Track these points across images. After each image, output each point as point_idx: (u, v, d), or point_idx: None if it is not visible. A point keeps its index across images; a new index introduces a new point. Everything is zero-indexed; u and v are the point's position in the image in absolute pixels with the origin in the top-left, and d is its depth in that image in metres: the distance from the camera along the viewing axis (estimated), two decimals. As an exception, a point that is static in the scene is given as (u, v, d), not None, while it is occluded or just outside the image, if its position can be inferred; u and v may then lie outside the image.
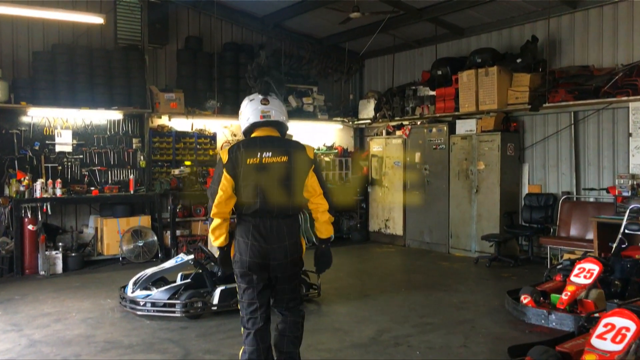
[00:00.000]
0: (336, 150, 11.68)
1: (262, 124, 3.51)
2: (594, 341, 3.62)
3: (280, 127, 3.59)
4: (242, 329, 3.59)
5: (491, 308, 6.03)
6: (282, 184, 3.42)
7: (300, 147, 3.53)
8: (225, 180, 3.39)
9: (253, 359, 3.47)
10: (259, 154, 3.41)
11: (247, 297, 3.49)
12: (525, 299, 5.55)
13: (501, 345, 4.76)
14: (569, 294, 5.33)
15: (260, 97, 3.53)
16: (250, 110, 3.53)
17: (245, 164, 3.38)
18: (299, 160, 3.47)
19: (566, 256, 7.64)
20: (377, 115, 11.00)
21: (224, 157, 3.42)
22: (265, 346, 3.52)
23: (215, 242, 3.46)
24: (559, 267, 6.42)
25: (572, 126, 8.35)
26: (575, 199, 8.36)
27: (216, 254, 7.34)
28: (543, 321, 5.25)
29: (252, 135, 3.55)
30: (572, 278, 5.49)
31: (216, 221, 3.42)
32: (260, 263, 3.40)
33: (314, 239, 10.27)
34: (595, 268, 5.43)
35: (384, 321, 5.57)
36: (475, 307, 6.12)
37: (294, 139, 3.96)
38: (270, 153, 3.42)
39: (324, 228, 3.60)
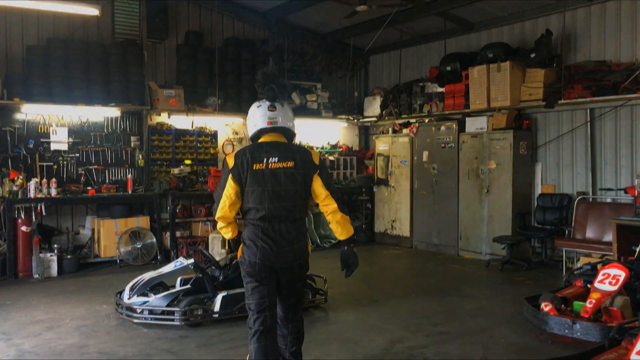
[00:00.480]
0: (340, 149, 11.37)
1: (269, 129, 3.55)
2: (636, 358, 3.28)
3: (287, 132, 3.63)
4: (248, 330, 3.54)
5: (508, 315, 5.70)
6: (288, 188, 3.45)
7: (306, 152, 3.57)
8: (230, 187, 3.42)
9: (260, 358, 3.43)
10: (265, 159, 3.44)
11: (255, 297, 3.47)
12: (546, 307, 5.22)
13: (524, 357, 4.45)
14: (593, 301, 5.00)
15: (268, 103, 3.56)
16: (257, 116, 3.57)
17: (251, 170, 3.41)
18: (305, 165, 3.50)
19: (583, 259, 7.31)
20: (384, 112, 10.67)
21: (230, 163, 3.45)
22: (272, 344, 3.50)
23: (225, 235, 3.61)
24: (578, 271, 6.09)
25: (588, 124, 8.02)
26: (591, 199, 8.03)
27: (218, 257, 7.02)
28: (567, 331, 4.92)
29: (259, 140, 3.58)
30: (597, 285, 5.16)
31: (220, 224, 3.54)
32: (270, 266, 3.43)
33: (317, 241, 9.98)
34: (621, 274, 5.09)
35: (395, 330, 5.24)
36: (492, 314, 5.79)
37: (297, 138, 3.86)
38: (277, 158, 3.45)
39: (341, 228, 3.60)
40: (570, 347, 4.61)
